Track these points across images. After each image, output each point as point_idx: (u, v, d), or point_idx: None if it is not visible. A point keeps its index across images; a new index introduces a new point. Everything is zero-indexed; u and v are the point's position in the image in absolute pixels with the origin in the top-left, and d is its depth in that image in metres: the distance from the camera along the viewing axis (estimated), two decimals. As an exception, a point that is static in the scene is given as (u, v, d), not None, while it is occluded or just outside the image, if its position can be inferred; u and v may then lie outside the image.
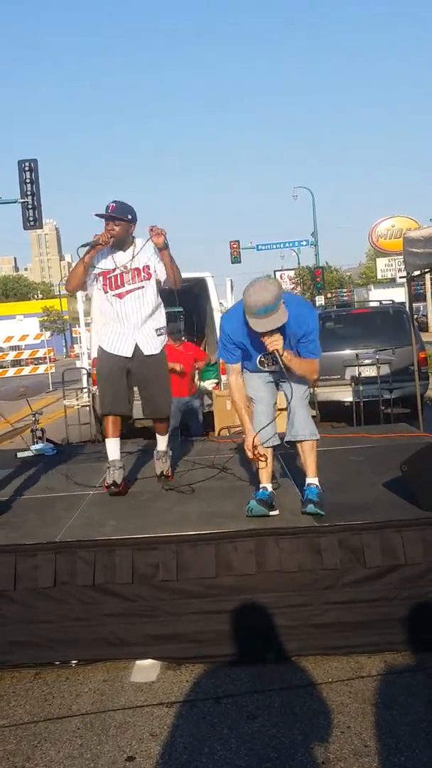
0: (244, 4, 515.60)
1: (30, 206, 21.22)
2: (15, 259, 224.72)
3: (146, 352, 4.51)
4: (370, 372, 8.62)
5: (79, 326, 12.07)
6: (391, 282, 31.89)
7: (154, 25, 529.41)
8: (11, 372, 21.56)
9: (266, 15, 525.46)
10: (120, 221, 4.34)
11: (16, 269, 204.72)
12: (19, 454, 6.23)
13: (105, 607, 3.43)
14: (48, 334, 23.53)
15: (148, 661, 3.42)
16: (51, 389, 18.17)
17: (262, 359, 3.81)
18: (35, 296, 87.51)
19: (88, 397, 9.44)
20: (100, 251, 4.42)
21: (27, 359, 23.88)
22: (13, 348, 22.42)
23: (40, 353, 22.07)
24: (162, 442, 4.90)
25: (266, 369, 3.85)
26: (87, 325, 9.95)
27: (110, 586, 3.44)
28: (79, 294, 12.92)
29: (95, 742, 2.81)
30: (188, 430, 7.92)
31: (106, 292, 4.46)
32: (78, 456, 6.17)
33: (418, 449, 3.89)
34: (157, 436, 4.93)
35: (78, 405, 9.85)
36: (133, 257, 4.43)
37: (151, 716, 2.96)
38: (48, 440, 6.99)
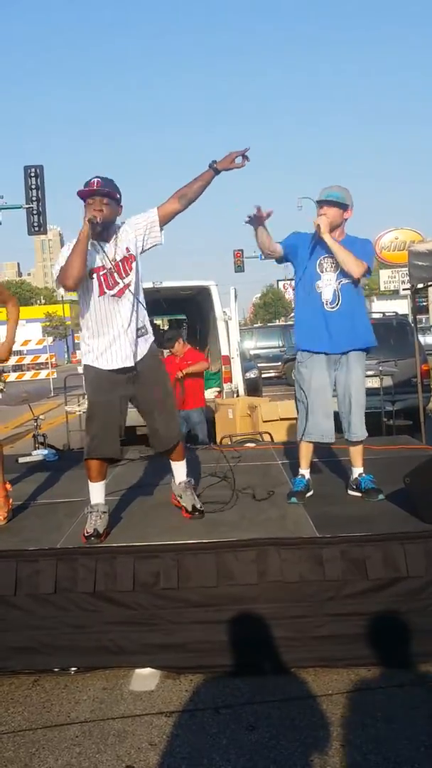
0: (245, 16, 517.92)
1: (35, 212, 21.30)
2: (18, 264, 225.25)
3: (139, 356, 3.85)
4: (372, 384, 8.60)
5: (81, 332, 12.06)
6: (394, 294, 31.92)
7: (162, 32, 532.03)
8: (13, 377, 21.53)
9: (267, 24, 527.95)
10: (110, 198, 3.66)
11: (20, 274, 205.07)
12: (21, 459, 6.23)
13: (105, 614, 3.42)
14: (50, 339, 23.55)
15: (148, 670, 3.41)
16: (53, 395, 18.17)
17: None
18: (38, 301, 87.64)
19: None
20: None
21: (29, 364, 23.84)
22: (15, 353, 22.34)
23: (42, 358, 22.06)
24: (180, 469, 4.13)
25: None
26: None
27: (111, 593, 3.43)
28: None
29: (94, 750, 2.80)
30: (195, 441, 7.81)
31: (103, 294, 3.74)
32: (79, 462, 6.15)
33: (422, 462, 3.89)
34: (172, 463, 4.13)
35: (79, 410, 9.83)
36: (116, 247, 3.76)
37: (150, 725, 2.95)
38: (49, 446, 6.99)
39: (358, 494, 4.27)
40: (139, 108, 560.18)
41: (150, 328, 3.99)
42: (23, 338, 21.15)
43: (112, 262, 3.73)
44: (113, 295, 3.75)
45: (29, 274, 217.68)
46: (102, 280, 3.74)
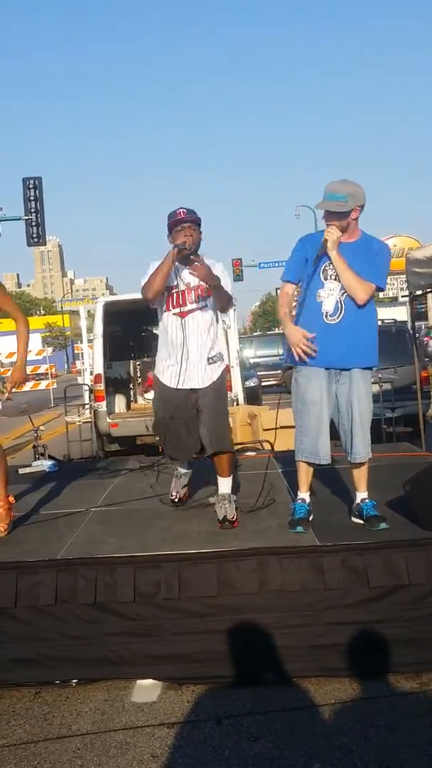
0: (245, 21, 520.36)
1: (34, 223, 21.39)
2: (18, 275, 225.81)
3: (199, 384, 4.13)
4: (372, 390, 8.60)
5: (81, 342, 12.08)
6: (393, 301, 31.97)
7: (158, 43, 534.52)
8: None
9: (266, 31, 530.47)
10: (196, 225, 4.03)
11: (19, 285, 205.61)
12: (21, 471, 6.22)
13: (106, 625, 3.41)
14: (50, 350, 23.56)
15: (149, 681, 3.39)
16: (52, 405, 18.16)
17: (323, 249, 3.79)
18: (37, 312, 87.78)
19: (90, 413, 9.44)
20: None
21: (29, 375, 23.84)
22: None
23: (42, 369, 22.04)
24: (224, 484, 4.21)
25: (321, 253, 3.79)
26: (89, 341, 9.97)
27: (111, 604, 3.42)
28: (82, 310, 12.96)
29: (95, 762, 2.78)
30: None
31: (168, 310, 4.10)
32: (80, 473, 6.16)
33: (421, 469, 3.89)
34: (218, 477, 4.24)
35: (79, 421, 9.84)
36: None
37: (152, 737, 2.93)
38: (50, 456, 6.98)
39: (361, 522, 3.88)
40: (139, 117, 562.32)
41: (217, 361, 4.20)
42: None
43: (186, 285, 4.06)
44: (176, 315, 4.08)
45: (29, 285, 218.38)
46: (169, 298, 4.09)
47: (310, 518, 3.92)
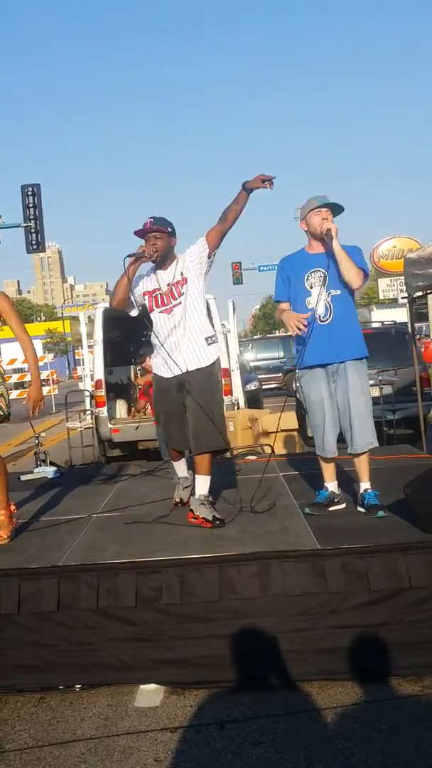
0: (248, 34, 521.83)
1: (33, 230, 21.42)
2: (18, 282, 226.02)
3: (192, 366, 4.27)
4: (372, 393, 8.60)
5: (82, 348, 12.11)
6: (393, 302, 31.97)
7: (156, 49, 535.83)
8: (14, 394, 21.47)
9: (271, 34, 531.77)
10: (161, 233, 4.21)
11: (20, 292, 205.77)
12: (23, 477, 6.24)
13: (108, 631, 3.43)
14: (51, 356, 23.63)
15: (152, 686, 3.40)
16: (54, 411, 18.20)
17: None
18: (38, 318, 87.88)
19: (91, 419, 9.46)
20: (145, 271, 4.40)
21: (30, 381, 23.90)
22: (16, 370, 22.40)
23: (43, 375, 22.07)
24: (201, 483, 4.31)
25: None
26: (90, 347, 9.98)
27: (114, 610, 3.43)
28: (82, 316, 13.00)
29: (99, 767, 2.80)
30: None
31: (152, 311, 4.36)
32: (81, 479, 6.18)
33: (422, 471, 3.89)
34: (195, 475, 4.37)
35: (81, 427, 9.85)
36: (174, 272, 4.31)
37: (155, 741, 2.94)
38: (51, 463, 7.00)
39: (364, 511, 4.16)
40: (138, 122, 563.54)
41: (215, 342, 4.40)
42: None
43: (167, 286, 4.30)
44: (162, 312, 4.31)
45: (29, 292, 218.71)
46: (153, 300, 4.34)
47: (336, 507, 4.30)
